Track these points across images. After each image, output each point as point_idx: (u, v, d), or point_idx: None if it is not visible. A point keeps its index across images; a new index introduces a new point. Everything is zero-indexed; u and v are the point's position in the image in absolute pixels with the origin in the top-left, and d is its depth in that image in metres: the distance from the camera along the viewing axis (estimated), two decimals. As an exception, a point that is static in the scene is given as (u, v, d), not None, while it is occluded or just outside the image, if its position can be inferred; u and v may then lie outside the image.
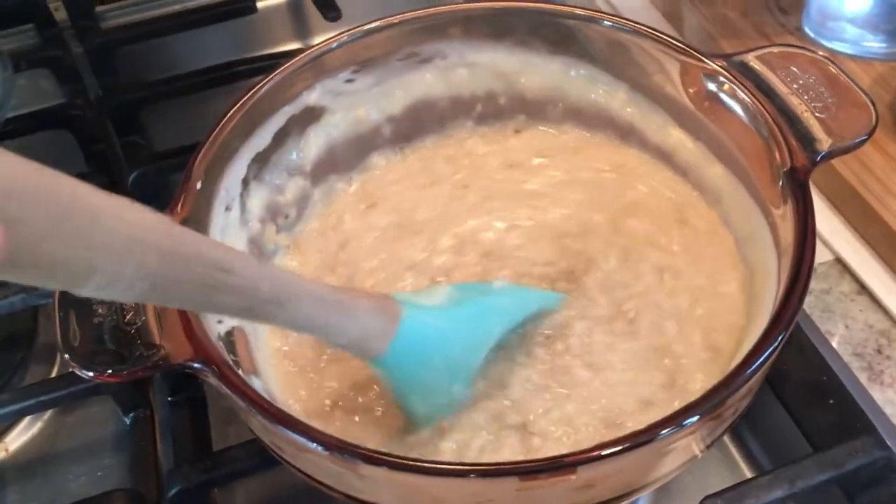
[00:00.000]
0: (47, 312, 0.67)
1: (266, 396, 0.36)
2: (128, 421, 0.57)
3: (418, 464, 0.32)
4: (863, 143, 0.41)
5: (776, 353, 0.34)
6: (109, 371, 0.36)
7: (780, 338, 0.34)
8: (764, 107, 0.42)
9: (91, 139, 0.72)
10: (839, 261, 0.63)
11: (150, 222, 0.28)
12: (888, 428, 0.51)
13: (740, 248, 0.45)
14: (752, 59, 0.45)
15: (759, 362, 0.33)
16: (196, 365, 0.35)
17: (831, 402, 0.52)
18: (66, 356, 0.36)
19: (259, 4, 0.80)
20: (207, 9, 0.80)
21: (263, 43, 0.85)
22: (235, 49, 0.83)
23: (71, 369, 0.36)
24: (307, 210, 0.51)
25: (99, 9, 0.82)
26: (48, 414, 0.63)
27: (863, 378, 0.56)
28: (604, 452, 0.32)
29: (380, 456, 0.32)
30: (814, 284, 0.62)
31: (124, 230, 0.27)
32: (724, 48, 0.73)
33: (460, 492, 0.33)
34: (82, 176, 0.69)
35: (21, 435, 0.62)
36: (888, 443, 0.48)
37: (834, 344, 0.58)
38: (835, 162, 0.63)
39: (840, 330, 0.59)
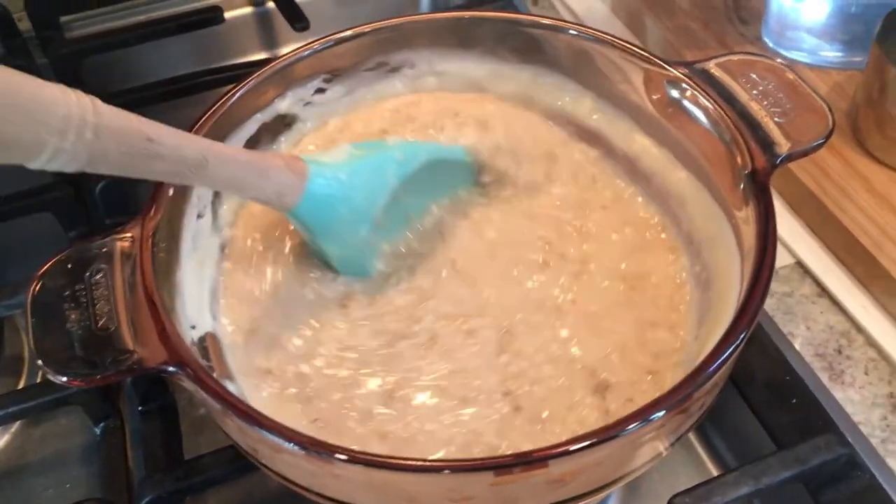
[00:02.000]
0: (13, 324, 0.66)
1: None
2: (98, 431, 0.56)
3: (393, 461, 0.32)
4: (820, 146, 0.42)
5: (741, 347, 0.35)
6: (83, 376, 0.36)
7: (744, 332, 0.35)
8: (725, 112, 0.43)
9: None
10: (800, 264, 0.64)
11: (84, 103, 0.33)
12: (849, 426, 0.53)
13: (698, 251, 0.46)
14: (713, 67, 0.46)
15: (724, 356, 0.34)
16: (171, 368, 0.35)
17: (794, 401, 0.54)
18: (40, 361, 0.36)
19: (226, 14, 0.80)
20: (174, 19, 0.80)
21: (231, 53, 0.85)
22: (203, 59, 0.83)
23: (45, 375, 0.36)
24: None
25: (63, 19, 0.81)
26: (15, 426, 0.62)
27: (824, 378, 0.57)
28: (574, 447, 0.32)
29: (355, 454, 0.32)
30: (776, 287, 0.63)
31: (63, 111, 0.32)
32: (685, 57, 0.75)
33: (436, 488, 0.33)
34: (48, 186, 0.69)
35: (-8, 448, 0.61)
36: (849, 440, 0.49)
37: (796, 345, 0.59)
38: (794, 168, 0.65)
39: (802, 331, 0.61)
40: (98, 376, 0.35)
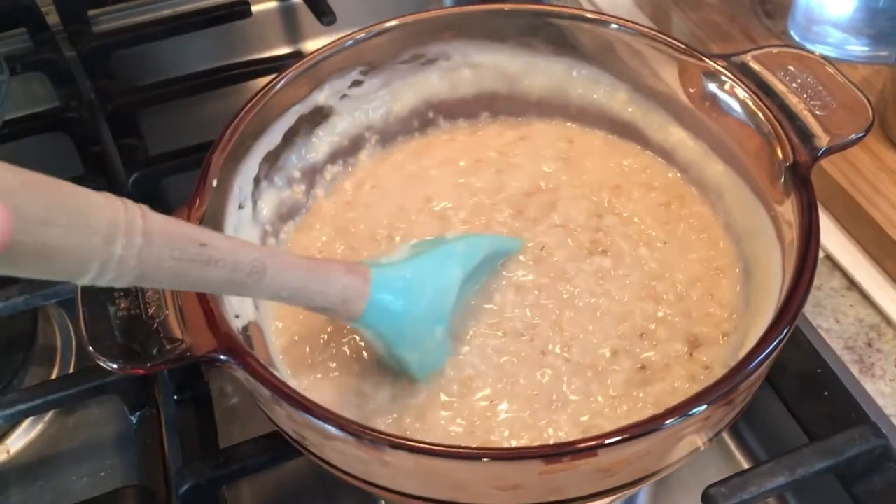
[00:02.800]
0: (46, 315, 0.67)
1: (288, 387, 0.37)
2: (134, 419, 0.57)
3: (443, 448, 0.33)
4: (860, 139, 0.42)
5: (787, 337, 0.35)
6: (135, 364, 0.36)
7: (791, 323, 0.35)
8: (764, 104, 0.43)
9: (87, 142, 0.72)
10: (829, 258, 0.64)
11: (131, 208, 0.30)
12: (881, 418, 0.53)
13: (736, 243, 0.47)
14: (750, 60, 0.46)
15: (771, 347, 0.34)
16: (222, 357, 0.36)
17: (826, 393, 0.54)
18: (91, 349, 0.36)
19: (253, 8, 0.81)
20: (202, 13, 0.80)
21: (257, 47, 0.85)
22: (229, 53, 0.83)
23: (79, 365, 0.37)
24: (311, 203, 0.52)
25: (91, 13, 0.82)
26: (49, 416, 0.63)
27: (854, 370, 0.57)
28: (624, 436, 0.33)
29: (406, 441, 0.32)
30: (804, 281, 0.63)
31: (109, 213, 0.29)
32: (712, 51, 0.75)
33: (483, 476, 0.34)
34: (80, 179, 0.69)
35: (22, 437, 0.62)
36: (884, 431, 0.49)
37: (826, 338, 0.59)
38: (824, 162, 0.65)
39: (832, 325, 0.61)
40: (149, 364, 0.36)
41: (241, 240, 0.36)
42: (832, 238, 0.65)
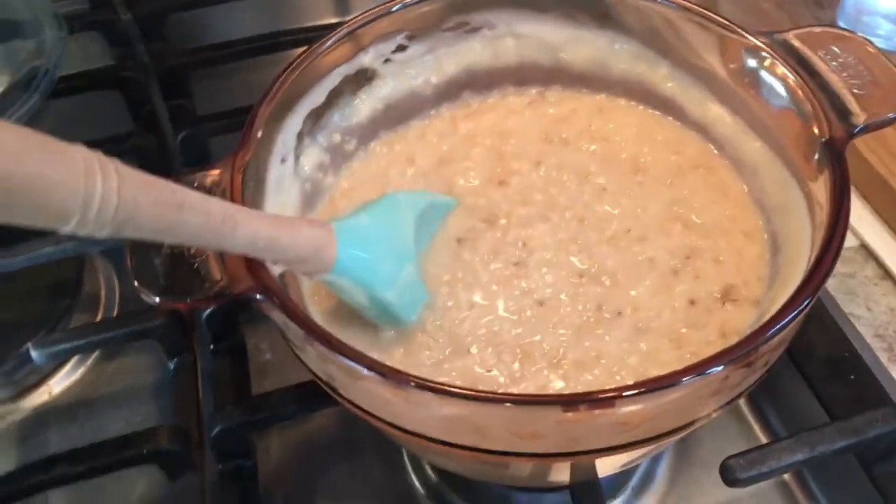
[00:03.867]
0: (92, 264, 0.69)
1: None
2: (171, 366, 0.59)
3: (463, 391, 0.34)
4: (896, 120, 0.43)
5: (807, 307, 0.35)
6: (176, 299, 0.38)
7: (813, 294, 0.36)
8: (804, 81, 0.44)
9: (139, 100, 0.74)
10: (864, 246, 0.64)
11: (100, 155, 0.32)
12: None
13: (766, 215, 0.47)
14: (792, 38, 0.46)
15: (792, 314, 0.35)
16: (258, 296, 0.37)
17: (852, 377, 0.54)
18: (136, 283, 0.38)
19: (305, -24, 0.82)
20: (254, -20, 0.82)
21: (307, 16, 0.87)
22: (279, 21, 0.85)
23: (140, 296, 0.38)
24: (352, 163, 0.53)
25: (147, -24, 0.84)
26: (90, 361, 0.65)
27: (883, 358, 0.57)
28: (644, 389, 0.33)
29: (429, 382, 0.34)
30: (839, 268, 0.64)
31: (84, 154, 0.31)
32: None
33: (501, 420, 0.35)
34: (129, 135, 0.71)
35: (64, 379, 0.64)
36: (910, 418, 0.49)
37: (857, 325, 0.59)
38: (864, 150, 0.65)
39: (863, 312, 0.61)
40: (189, 300, 0.37)
41: (205, 196, 0.37)
42: (868, 226, 0.65)
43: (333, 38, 0.48)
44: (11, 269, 0.62)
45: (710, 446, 0.57)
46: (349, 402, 0.39)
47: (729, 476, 0.46)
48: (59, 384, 0.64)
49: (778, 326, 0.34)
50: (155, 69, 0.75)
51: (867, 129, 0.42)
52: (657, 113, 0.54)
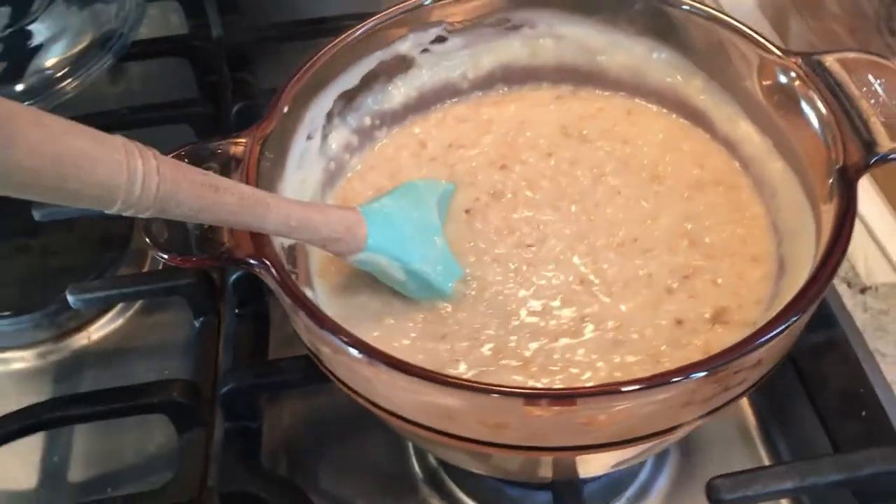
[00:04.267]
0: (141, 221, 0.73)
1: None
2: (197, 325, 0.61)
3: (422, 370, 0.35)
4: (921, 152, 0.41)
5: (782, 333, 0.35)
6: (181, 256, 0.40)
7: (793, 318, 0.35)
8: (828, 103, 0.43)
9: (206, 70, 0.77)
10: (907, 284, 0.63)
11: (150, 158, 0.34)
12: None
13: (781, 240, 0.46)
14: (828, 60, 0.46)
15: (765, 338, 0.35)
16: (253, 261, 0.39)
17: (863, 413, 0.53)
18: (147, 240, 0.40)
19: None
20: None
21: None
22: (351, 4, 0.86)
23: (152, 254, 0.41)
24: (375, 145, 0.55)
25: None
26: (131, 312, 0.68)
27: (901, 398, 0.56)
28: (607, 390, 0.34)
29: (392, 359, 0.35)
30: (873, 303, 0.62)
31: (121, 139, 0.34)
32: (823, 61, 0.73)
33: (467, 406, 0.36)
34: (192, 101, 0.75)
35: (104, 327, 0.68)
36: (914, 459, 0.47)
37: (881, 363, 0.58)
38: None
39: (891, 351, 0.59)
40: (193, 258, 0.40)
41: (237, 181, 0.40)
42: (914, 265, 0.63)
43: (370, 24, 0.50)
44: (68, 216, 0.65)
45: (714, 463, 0.57)
46: (333, 375, 0.40)
47: (713, 496, 0.46)
48: (98, 331, 0.68)
49: (748, 348, 0.34)
50: (226, 41, 0.78)
51: (886, 159, 0.41)
52: (687, 123, 0.53)
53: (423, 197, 0.49)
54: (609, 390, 0.34)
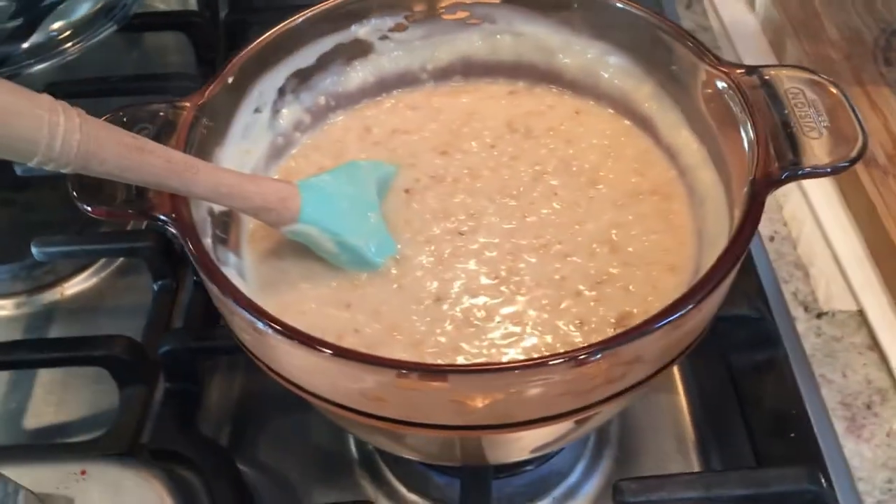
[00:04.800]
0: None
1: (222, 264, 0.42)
2: (155, 287, 0.63)
3: (298, 333, 0.36)
4: (841, 169, 0.41)
5: (645, 335, 0.36)
6: (100, 208, 0.42)
7: (665, 320, 0.36)
8: (756, 117, 0.43)
9: (205, 47, 0.79)
10: (861, 313, 0.62)
11: (73, 117, 0.36)
12: (845, 477, 0.51)
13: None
14: (770, 73, 0.46)
15: (636, 334, 0.35)
16: (165, 219, 0.41)
17: (791, 435, 0.53)
18: (73, 193, 0.42)
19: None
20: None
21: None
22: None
23: (76, 203, 0.42)
24: (324, 125, 0.56)
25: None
26: (105, 273, 0.71)
27: (840, 426, 0.55)
28: (475, 369, 0.35)
29: (269, 318, 0.36)
30: (827, 329, 0.61)
31: (48, 98, 0.36)
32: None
33: (344, 377, 0.37)
34: (189, 77, 0.77)
35: (78, 285, 0.71)
36: (824, 484, 0.47)
37: (823, 388, 0.57)
38: (884, 216, 0.62)
39: (836, 377, 0.59)
40: (108, 209, 0.41)
41: (166, 146, 0.41)
42: (871, 295, 0.62)
43: (328, 6, 0.51)
44: (48, 174, 0.68)
45: (648, 471, 0.57)
46: (238, 339, 0.42)
47: (618, 497, 0.46)
48: (72, 288, 0.70)
49: (605, 348, 0.35)
50: (226, 20, 0.80)
51: (797, 175, 0.41)
52: (634, 128, 0.53)
53: (363, 175, 0.50)
54: (477, 369, 0.35)
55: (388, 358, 0.35)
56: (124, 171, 0.39)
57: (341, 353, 0.35)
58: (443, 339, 0.43)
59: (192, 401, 0.57)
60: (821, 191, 0.69)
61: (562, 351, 0.35)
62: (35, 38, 0.73)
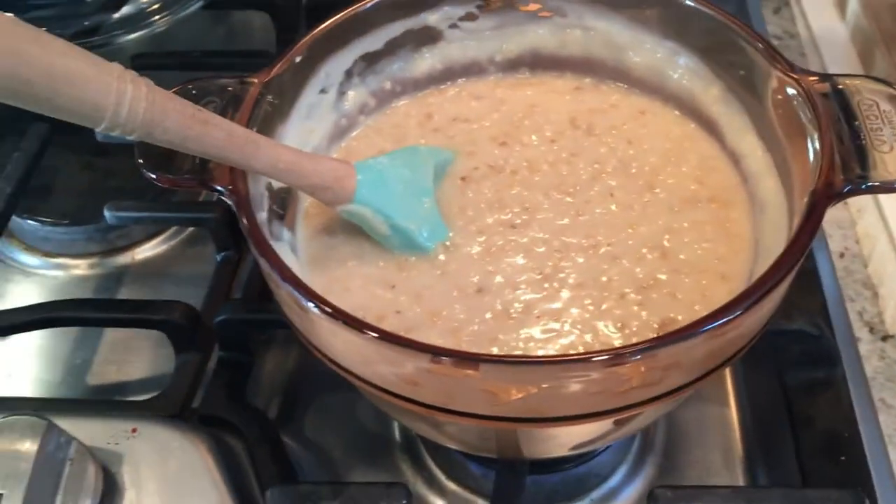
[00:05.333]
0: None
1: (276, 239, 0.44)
2: (218, 258, 0.65)
3: (338, 312, 0.36)
4: (902, 187, 0.40)
5: (669, 345, 0.35)
6: (165, 175, 0.43)
7: (705, 327, 0.35)
8: (820, 126, 0.42)
9: (286, 27, 0.81)
10: (935, 337, 0.60)
11: (140, 86, 0.38)
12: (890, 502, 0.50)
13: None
14: (844, 83, 0.44)
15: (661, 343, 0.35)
16: (222, 190, 0.42)
17: (842, 458, 0.51)
18: (140, 161, 0.44)
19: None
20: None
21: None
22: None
23: (141, 171, 0.44)
24: (388, 109, 0.56)
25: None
26: (176, 240, 0.73)
27: (895, 454, 0.53)
28: (507, 359, 0.35)
29: (314, 295, 0.37)
30: (892, 353, 0.60)
31: (118, 66, 0.37)
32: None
33: (379, 356, 0.37)
34: (268, 55, 0.78)
35: (149, 250, 0.73)
36: (868, 504, 0.46)
37: (881, 412, 0.55)
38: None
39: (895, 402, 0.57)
40: (172, 177, 0.43)
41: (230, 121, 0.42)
42: (947, 318, 0.60)
43: (402, -10, 0.52)
44: (125, 142, 0.70)
45: (690, 481, 0.56)
46: (279, 308, 0.42)
47: (652, 503, 0.46)
48: (142, 253, 0.73)
49: (640, 350, 0.34)
50: (304, 2, 0.81)
51: (867, 189, 0.40)
52: (699, 131, 0.52)
53: (421, 160, 0.50)
54: (508, 360, 0.35)
55: (420, 342, 0.36)
56: (186, 140, 0.40)
57: (377, 333, 0.36)
58: (481, 329, 0.43)
59: (243, 371, 0.59)
60: (897, 208, 0.66)
61: (596, 350, 0.34)
62: (125, 10, 0.76)
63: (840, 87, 0.44)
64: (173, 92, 0.44)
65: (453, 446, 0.51)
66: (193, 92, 0.46)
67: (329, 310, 0.36)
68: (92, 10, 0.77)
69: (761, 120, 0.48)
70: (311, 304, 0.37)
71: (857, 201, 0.69)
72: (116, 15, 0.76)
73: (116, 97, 0.37)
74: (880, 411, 0.56)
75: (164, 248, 0.73)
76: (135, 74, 0.38)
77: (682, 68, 0.53)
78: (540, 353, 0.41)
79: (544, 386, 0.36)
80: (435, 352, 0.35)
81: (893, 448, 0.54)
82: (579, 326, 0.43)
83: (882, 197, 0.67)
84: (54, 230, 0.73)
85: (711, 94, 0.51)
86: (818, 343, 0.54)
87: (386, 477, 0.57)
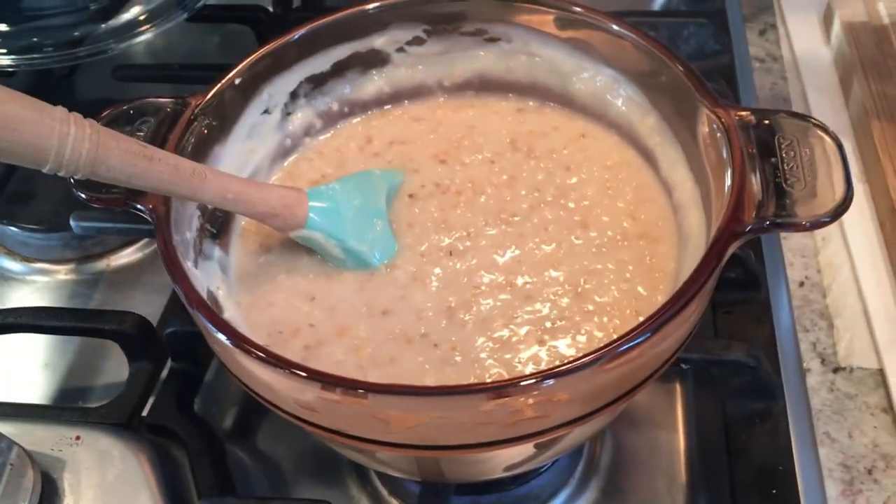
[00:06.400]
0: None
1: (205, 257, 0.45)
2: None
3: (250, 345, 0.37)
4: (821, 225, 0.40)
5: (553, 378, 0.35)
6: (93, 194, 0.44)
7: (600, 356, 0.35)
8: (733, 161, 0.41)
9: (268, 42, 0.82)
10: (881, 373, 0.59)
11: (84, 127, 0.39)
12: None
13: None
14: (769, 117, 0.44)
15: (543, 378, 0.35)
16: (140, 208, 0.43)
17: (773, 491, 0.51)
18: (71, 181, 0.45)
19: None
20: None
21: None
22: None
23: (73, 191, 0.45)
24: (330, 132, 0.57)
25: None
26: (151, 249, 0.74)
27: (835, 489, 0.53)
28: (393, 389, 0.35)
29: (208, 314, 0.38)
30: (841, 385, 0.59)
31: (61, 109, 0.38)
32: (871, 126, 0.69)
33: (286, 385, 0.38)
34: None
35: (124, 258, 0.75)
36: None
37: (823, 447, 0.55)
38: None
39: (841, 437, 0.56)
40: (98, 196, 0.44)
41: (176, 155, 0.43)
42: (895, 355, 0.59)
43: (344, 15, 0.52)
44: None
45: (636, 501, 0.56)
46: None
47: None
48: (117, 260, 0.74)
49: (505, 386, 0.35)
50: (288, 18, 0.82)
51: (766, 228, 0.39)
52: (637, 158, 0.52)
53: (375, 184, 0.51)
54: (393, 390, 0.35)
55: (311, 369, 0.36)
56: (132, 177, 0.41)
57: (272, 360, 0.36)
58: (386, 356, 0.43)
59: (193, 381, 0.60)
60: (863, 240, 0.66)
61: (477, 382, 0.35)
62: (113, 21, 0.78)
63: (766, 121, 0.44)
64: (107, 113, 0.46)
65: (376, 468, 0.52)
66: (130, 112, 0.47)
67: (222, 328, 0.37)
68: (82, 20, 0.79)
69: (692, 152, 0.48)
70: (211, 327, 0.38)
71: (822, 230, 0.69)
72: (104, 26, 0.78)
73: (59, 139, 0.38)
74: (823, 445, 0.55)
75: (138, 255, 0.75)
76: (79, 116, 0.39)
77: (622, 96, 0.53)
78: (428, 382, 0.42)
79: (433, 415, 0.36)
80: (325, 380, 0.36)
81: (833, 483, 0.54)
82: (477, 361, 0.43)
83: (847, 226, 0.67)
84: (32, 236, 0.74)
85: (648, 123, 0.51)
86: (755, 374, 0.53)
87: (333, 493, 0.57)
